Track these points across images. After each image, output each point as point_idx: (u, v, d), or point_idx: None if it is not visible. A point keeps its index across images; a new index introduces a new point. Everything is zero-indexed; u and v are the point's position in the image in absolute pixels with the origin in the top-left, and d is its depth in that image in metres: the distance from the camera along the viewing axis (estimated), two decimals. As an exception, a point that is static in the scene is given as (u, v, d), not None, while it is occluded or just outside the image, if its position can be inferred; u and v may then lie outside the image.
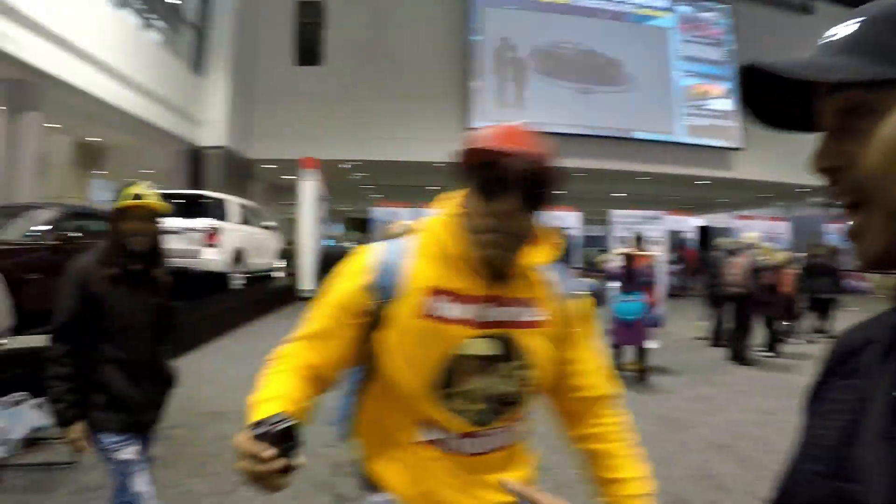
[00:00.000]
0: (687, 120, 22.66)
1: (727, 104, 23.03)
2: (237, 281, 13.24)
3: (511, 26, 21.81)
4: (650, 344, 8.45)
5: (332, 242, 15.80)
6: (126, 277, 2.88)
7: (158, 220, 2.98)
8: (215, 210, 12.59)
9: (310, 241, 17.75)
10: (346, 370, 1.69)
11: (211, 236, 11.95)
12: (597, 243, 31.83)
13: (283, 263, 17.62)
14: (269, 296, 15.05)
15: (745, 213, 27.01)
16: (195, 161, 18.93)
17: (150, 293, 3.01)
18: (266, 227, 15.65)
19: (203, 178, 18.53)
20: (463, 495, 1.60)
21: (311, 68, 13.63)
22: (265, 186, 25.91)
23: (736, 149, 22.99)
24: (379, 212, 19.68)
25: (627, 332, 8.17)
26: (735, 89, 0.72)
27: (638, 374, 8.30)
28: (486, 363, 1.56)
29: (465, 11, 21.65)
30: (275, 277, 17.25)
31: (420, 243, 1.64)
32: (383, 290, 1.57)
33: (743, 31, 23.07)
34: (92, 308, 2.79)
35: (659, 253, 11.60)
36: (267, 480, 1.21)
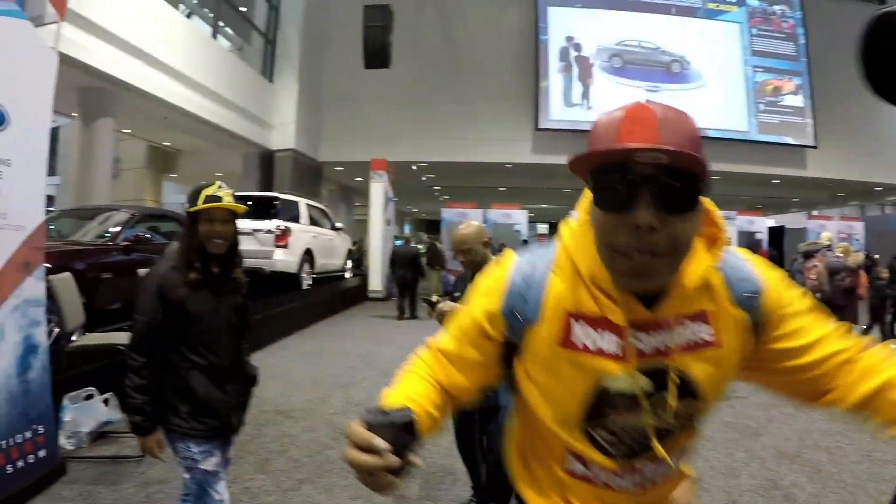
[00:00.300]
0: (758, 117, 22.07)
1: (799, 100, 22.40)
2: (307, 281, 13.43)
3: (576, 25, 21.66)
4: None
5: (399, 242, 15.92)
6: (206, 281, 2.79)
7: (236, 220, 2.88)
8: (285, 211, 12.85)
9: (379, 241, 17.94)
10: (483, 389, 1.47)
11: (281, 237, 12.17)
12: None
13: (351, 264, 17.82)
14: (338, 296, 15.28)
15: (817, 212, 26.29)
16: (265, 164, 19.41)
17: (230, 295, 2.93)
18: (335, 229, 15.85)
19: (273, 180, 18.96)
20: None
21: (378, 71, 13.71)
22: (334, 188, 26.25)
23: (808, 146, 22.32)
24: (448, 213, 19.79)
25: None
26: (861, 53, 0.66)
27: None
28: (635, 399, 1.27)
29: (532, 11, 21.54)
30: (345, 278, 17.53)
31: (557, 256, 1.34)
32: (517, 315, 1.33)
33: (814, 24, 22.36)
34: (172, 315, 2.72)
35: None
36: (377, 477, 1.09)
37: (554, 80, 21.45)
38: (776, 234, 22.93)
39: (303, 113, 19.94)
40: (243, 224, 12.08)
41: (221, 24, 17.29)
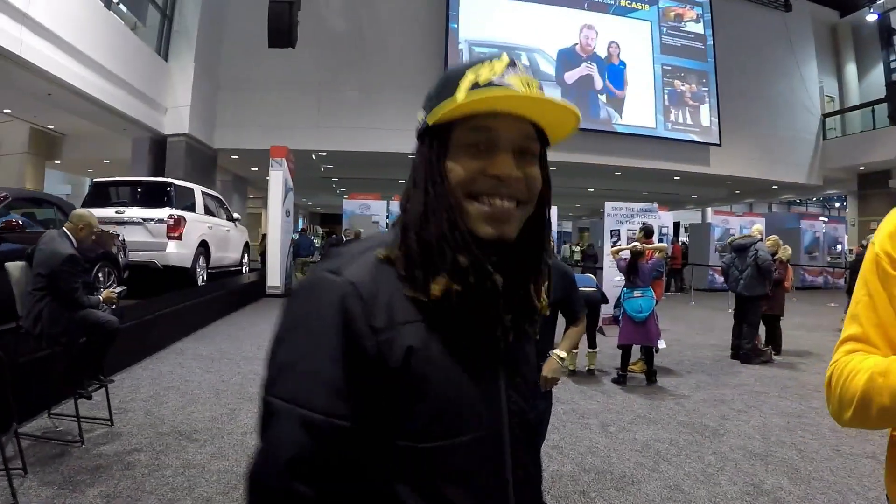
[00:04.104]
0: (665, 114, 22.20)
1: (703, 99, 22.68)
2: (201, 276, 12.40)
3: (485, 16, 21.20)
4: (661, 343, 7.88)
5: (295, 236, 15.10)
6: (474, 305, 0.93)
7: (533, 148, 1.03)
8: (179, 199, 11.74)
9: (278, 234, 16.86)
10: None
11: (174, 227, 11.09)
12: (567, 238, 31.55)
13: (247, 257, 16.88)
14: (235, 292, 14.13)
15: (718, 208, 27.06)
16: (157, 150, 17.99)
17: (522, 341, 1.06)
18: (231, 220, 14.87)
19: (164, 167, 17.63)
20: None
21: (279, 57, 12.89)
22: (228, 178, 25.18)
23: (713, 144, 22.61)
24: (350, 204, 19.37)
25: (639, 331, 7.56)
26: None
27: (645, 376, 7.75)
28: None
29: (442, 1, 20.91)
30: (242, 273, 16.61)
31: None
32: None
33: (722, 26, 22.85)
34: (385, 397, 0.88)
35: (665, 246, 10.96)
36: None
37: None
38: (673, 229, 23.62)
39: (199, 96, 18.55)
40: (131, 213, 11.01)
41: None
